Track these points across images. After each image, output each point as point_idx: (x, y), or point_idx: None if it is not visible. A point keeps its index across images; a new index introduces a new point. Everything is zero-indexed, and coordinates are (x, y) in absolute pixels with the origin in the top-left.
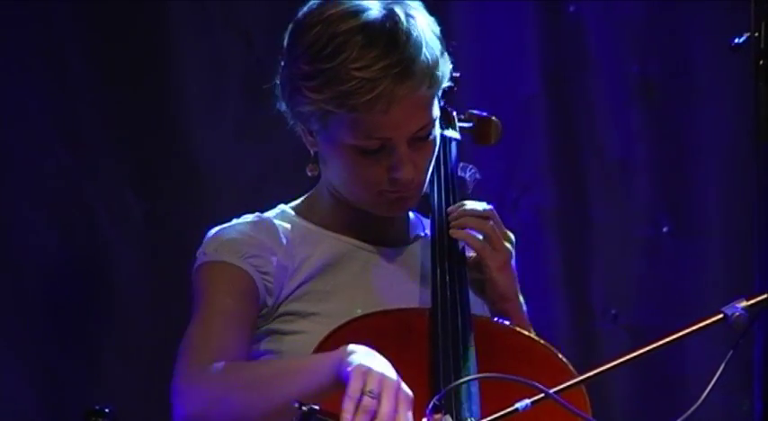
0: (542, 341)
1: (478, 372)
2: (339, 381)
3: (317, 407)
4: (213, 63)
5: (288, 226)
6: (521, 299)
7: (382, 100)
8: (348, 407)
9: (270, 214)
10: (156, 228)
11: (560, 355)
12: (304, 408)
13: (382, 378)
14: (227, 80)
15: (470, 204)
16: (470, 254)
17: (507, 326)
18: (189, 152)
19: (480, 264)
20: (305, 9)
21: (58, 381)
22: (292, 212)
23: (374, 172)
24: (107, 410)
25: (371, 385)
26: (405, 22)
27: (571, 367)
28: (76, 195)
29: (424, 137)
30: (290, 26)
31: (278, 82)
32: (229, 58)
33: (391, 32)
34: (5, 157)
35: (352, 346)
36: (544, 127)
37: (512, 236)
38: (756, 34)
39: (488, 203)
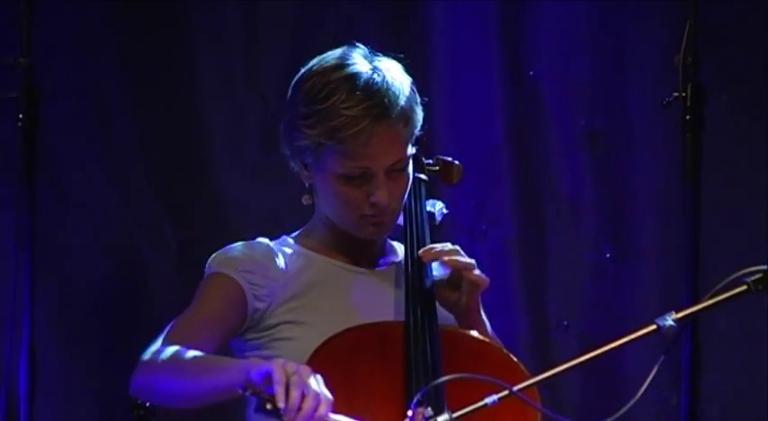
0: (497, 345)
1: (446, 374)
2: (246, 382)
3: (249, 390)
4: (235, 117)
5: (286, 250)
6: (483, 314)
7: (364, 134)
8: (280, 390)
9: (273, 241)
10: (188, 254)
11: (513, 357)
12: (247, 392)
13: (297, 365)
14: (246, 132)
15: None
16: (440, 273)
17: (470, 334)
18: (215, 191)
19: (455, 283)
20: (304, 69)
21: (108, 381)
22: (291, 240)
23: (356, 196)
24: (147, 404)
25: (291, 370)
26: (386, 75)
27: (522, 366)
28: (123, 228)
29: (399, 169)
30: (292, 82)
31: (281, 128)
32: (249, 114)
33: (375, 81)
34: (65, 197)
35: (253, 359)
36: (508, 171)
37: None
38: (683, 94)
39: (462, 234)
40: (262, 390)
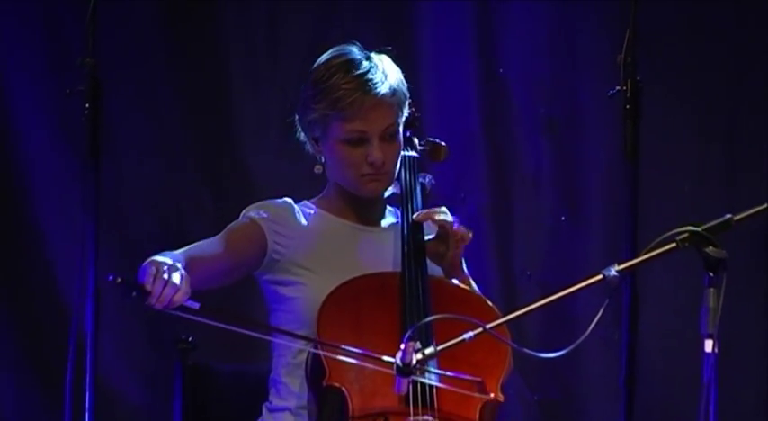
0: (477, 292)
1: (435, 315)
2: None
3: (119, 278)
4: (261, 109)
5: (306, 210)
6: (464, 267)
7: (358, 102)
8: (148, 280)
9: (297, 204)
10: (224, 219)
11: (489, 302)
12: (117, 280)
13: (162, 261)
14: (270, 119)
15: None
16: (431, 233)
17: (454, 283)
18: (245, 168)
19: (443, 239)
20: (312, 67)
21: (157, 319)
22: (311, 203)
23: (356, 158)
24: (190, 339)
25: (162, 268)
26: (376, 61)
27: (496, 309)
28: (170, 196)
29: (391, 135)
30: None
31: (297, 116)
32: (273, 105)
33: (368, 64)
34: (123, 172)
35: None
36: (482, 151)
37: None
38: (624, 88)
39: (445, 200)
40: (134, 280)
